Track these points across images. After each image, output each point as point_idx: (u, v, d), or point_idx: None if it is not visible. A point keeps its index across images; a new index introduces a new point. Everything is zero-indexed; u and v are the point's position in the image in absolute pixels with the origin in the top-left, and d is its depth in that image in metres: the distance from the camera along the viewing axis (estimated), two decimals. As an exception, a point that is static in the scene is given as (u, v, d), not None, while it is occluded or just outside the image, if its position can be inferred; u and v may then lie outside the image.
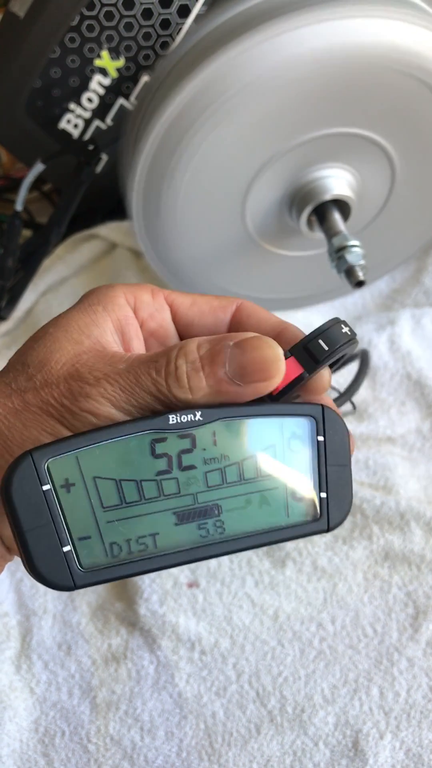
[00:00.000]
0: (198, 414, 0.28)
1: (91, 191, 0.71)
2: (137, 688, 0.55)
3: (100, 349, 0.30)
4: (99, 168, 0.78)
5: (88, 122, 0.76)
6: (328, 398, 0.32)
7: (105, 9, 0.69)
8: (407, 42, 0.45)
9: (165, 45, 0.72)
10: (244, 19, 0.46)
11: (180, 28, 0.72)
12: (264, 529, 0.30)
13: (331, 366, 0.31)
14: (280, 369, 0.28)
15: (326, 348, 0.29)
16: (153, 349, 0.33)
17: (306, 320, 0.76)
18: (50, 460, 0.27)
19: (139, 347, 0.32)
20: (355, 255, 0.48)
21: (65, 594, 0.62)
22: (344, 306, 0.77)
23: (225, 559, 0.64)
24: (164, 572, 0.64)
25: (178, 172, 0.48)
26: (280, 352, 0.29)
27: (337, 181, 0.51)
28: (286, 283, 0.64)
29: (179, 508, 0.29)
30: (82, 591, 0.62)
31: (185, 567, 0.65)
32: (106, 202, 0.81)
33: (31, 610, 0.59)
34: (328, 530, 0.31)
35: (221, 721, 0.54)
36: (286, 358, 0.29)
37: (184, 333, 0.34)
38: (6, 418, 0.29)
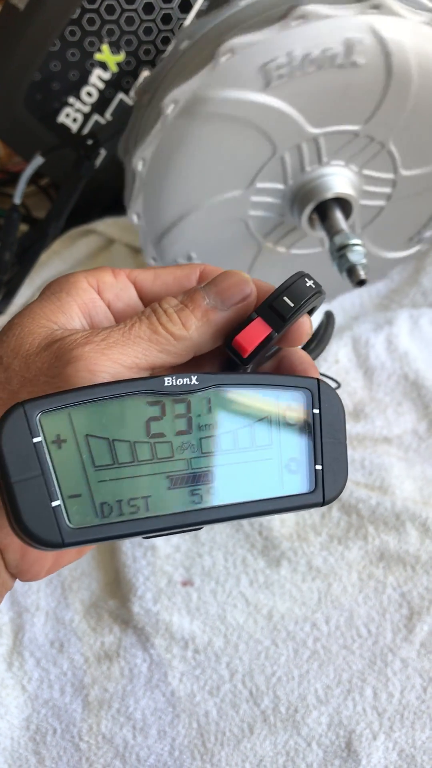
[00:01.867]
0: (194, 378, 0.28)
1: (89, 186, 0.71)
2: (130, 686, 0.55)
3: (70, 332, 0.30)
4: (97, 162, 0.78)
5: (87, 116, 0.75)
6: (316, 371, 0.33)
7: (106, 2, 0.68)
8: (410, 42, 0.45)
9: (166, 40, 0.72)
10: (244, 16, 0.46)
11: (181, 23, 0.71)
12: (257, 499, 0.29)
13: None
14: (251, 284, 0.30)
15: (291, 304, 0.29)
16: None
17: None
18: (42, 414, 0.26)
19: None
20: (357, 254, 0.48)
21: (58, 591, 0.61)
22: (342, 305, 0.77)
23: (220, 557, 0.64)
24: (159, 571, 0.64)
25: (181, 168, 0.48)
26: (246, 274, 0.30)
27: (339, 179, 0.51)
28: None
29: (172, 472, 0.28)
30: (75, 588, 0.62)
31: (180, 565, 0.64)
32: (104, 198, 0.81)
33: (24, 607, 0.59)
34: (323, 503, 0.30)
35: (214, 721, 0.54)
36: (252, 320, 0.29)
37: None
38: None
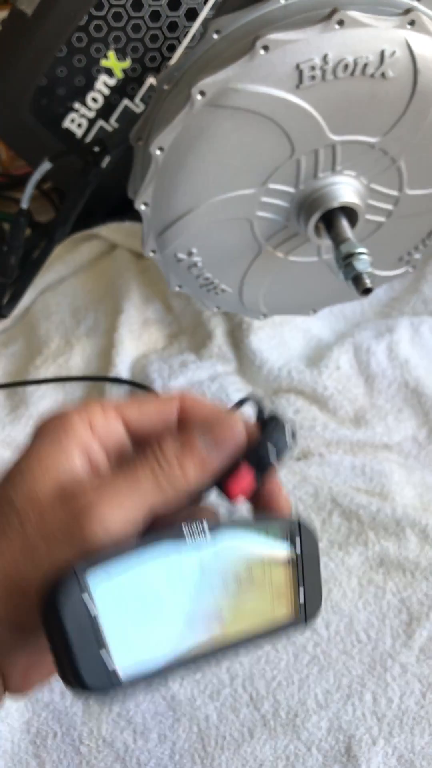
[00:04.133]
0: (205, 526, 0.32)
1: (92, 191, 0.71)
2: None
3: (75, 475, 0.32)
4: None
5: (92, 122, 0.76)
6: (285, 500, 0.37)
7: (113, 9, 0.69)
8: (417, 52, 0.46)
9: (171, 47, 0.72)
10: (283, 14, 0.47)
11: (187, 31, 0.72)
12: (258, 632, 0.34)
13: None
14: (244, 431, 0.33)
15: (275, 452, 0.33)
16: (117, 465, 0.35)
17: (305, 325, 0.76)
18: (89, 576, 0.29)
19: (105, 467, 0.34)
20: (363, 262, 0.49)
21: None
22: (343, 313, 0.77)
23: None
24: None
25: (199, 159, 0.49)
26: (230, 414, 0.34)
27: (348, 189, 0.51)
28: (289, 288, 0.64)
29: (189, 613, 0.32)
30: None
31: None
32: (107, 203, 0.81)
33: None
34: (306, 627, 0.35)
35: (214, 725, 0.54)
36: (240, 467, 0.33)
37: (140, 441, 0.36)
38: (15, 561, 0.30)
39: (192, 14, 0.71)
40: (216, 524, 0.32)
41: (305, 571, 0.34)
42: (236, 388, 0.72)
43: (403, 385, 0.71)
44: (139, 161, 0.53)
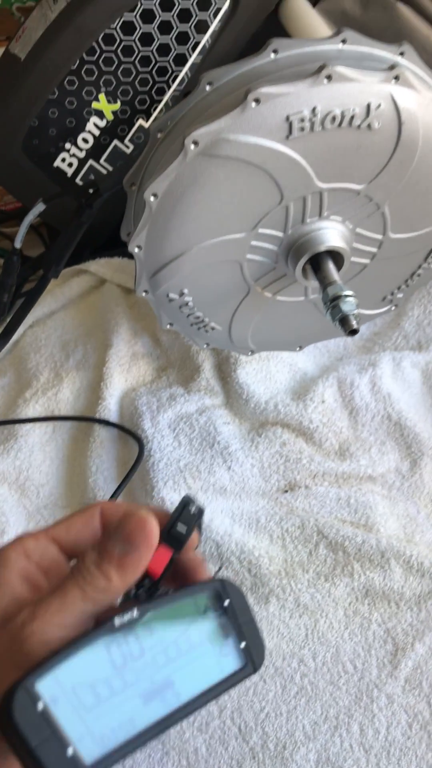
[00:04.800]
0: (135, 612, 0.35)
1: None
2: (123, 723, 0.55)
3: (18, 600, 0.35)
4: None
5: (82, 161, 0.78)
6: (204, 568, 0.40)
7: (105, 55, 0.71)
8: (402, 105, 0.48)
9: (161, 91, 0.75)
10: (273, 67, 0.49)
11: (176, 75, 0.74)
12: (209, 687, 0.37)
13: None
14: (151, 521, 0.35)
15: (185, 528, 0.37)
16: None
17: (290, 359, 0.78)
18: (36, 682, 0.32)
19: (46, 586, 0.37)
20: (349, 304, 0.51)
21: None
22: (327, 347, 0.79)
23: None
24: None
25: (191, 205, 0.50)
26: (140, 508, 0.36)
27: (332, 232, 0.53)
28: (277, 325, 0.66)
29: (142, 690, 0.35)
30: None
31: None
32: (95, 239, 0.83)
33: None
34: (255, 671, 0.38)
35: (203, 758, 0.55)
36: (156, 548, 0.35)
37: (73, 553, 0.39)
38: None
39: (181, 60, 0.73)
40: (146, 605, 0.35)
41: (240, 622, 0.37)
42: (224, 421, 0.73)
43: (385, 418, 0.73)
44: (132, 205, 0.55)
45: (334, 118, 0.47)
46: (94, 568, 0.34)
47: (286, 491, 0.70)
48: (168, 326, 0.63)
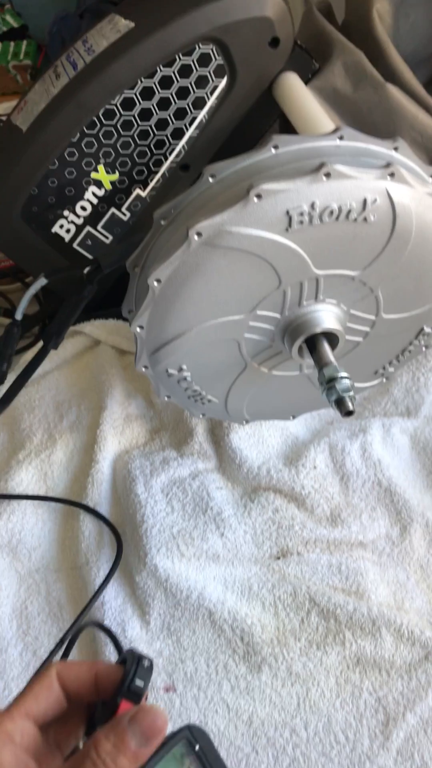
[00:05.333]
0: None
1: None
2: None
3: None
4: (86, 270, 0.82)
5: (80, 228, 0.79)
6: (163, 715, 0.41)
7: (105, 128, 0.73)
8: (398, 200, 0.51)
9: (158, 162, 0.77)
10: (274, 162, 0.51)
11: (173, 148, 0.76)
12: None
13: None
14: (163, 714, 0.38)
15: (142, 683, 0.40)
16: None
17: (282, 424, 0.79)
18: None
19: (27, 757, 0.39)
20: (345, 386, 0.52)
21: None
22: (318, 412, 0.80)
23: (202, 663, 0.65)
24: (141, 676, 0.65)
25: (193, 290, 0.52)
26: (158, 708, 0.39)
27: (329, 315, 0.55)
28: (272, 397, 0.68)
29: None
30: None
31: (162, 671, 0.65)
32: (90, 301, 0.84)
33: None
34: None
35: None
36: (119, 704, 0.39)
37: (42, 723, 0.41)
38: None
39: (178, 133, 0.75)
40: None
41: (210, 761, 0.40)
42: (217, 486, 0.74)
43: (376, 484, 0.74)
44: (134, 285, 0.56)
45: (331, 213, 0.49)
46: (110, 760, 0.36)
47: (279, 558, 0.71)
48: (166, 398, 0.64)
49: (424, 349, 0.65)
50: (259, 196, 0.48)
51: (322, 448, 0.76)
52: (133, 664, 0.40)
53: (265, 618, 0.67)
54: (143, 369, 0.59)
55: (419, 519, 0.72)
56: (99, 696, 0.41)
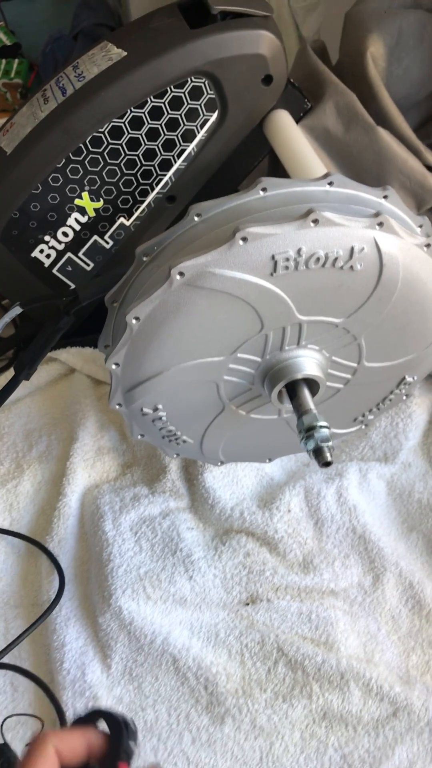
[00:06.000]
0: None
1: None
2: None
3: None
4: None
5: (60, 254, 0.78)
6: None
7: (91, 156, 0.72)
8: (386, 249, 0.50)
9: (144, 192, 0.75)
10: (261, 205, 0.50)
11: (160, 179, 0.75)
12: None
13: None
14: None
15: (133, 745, 0.41)
16: None
17: (257, 464, 0.77)
18: None
19: None
20: (323, 436, 0.51)
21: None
22: (295, 454, 0.79)
23: (163, 711, 0.63)
24: (99, 723, 0.62)
25: (172, 330, 0.51)
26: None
27: (311, 361, 0.54)
28: (249, 440, 0.66)
29: None
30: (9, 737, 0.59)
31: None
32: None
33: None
34: None
35: None
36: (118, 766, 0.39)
37: None
38: None
39: (166, 165, 0.74)
40: None
41: None
42: (188, 526, 0.72)
43: (350, 530, 0.73)
44: (112, 321, 0.55)
45: (318, 259, 0.48)
46: None
47: (248, 604, 0.69)
48: (139, 437, 0.62)
49: (404, 398, 0.63)
50: (245, 239, 0.47)
51: (297, 491, 0.74)
52: (123, 728, 0.41)
53: (231, 667, 0.65)
54: (117, 406, 0.57)
55: (392, 568, 0.71)
56: (89, 760, 0.41)
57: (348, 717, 0.62)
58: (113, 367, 0.53)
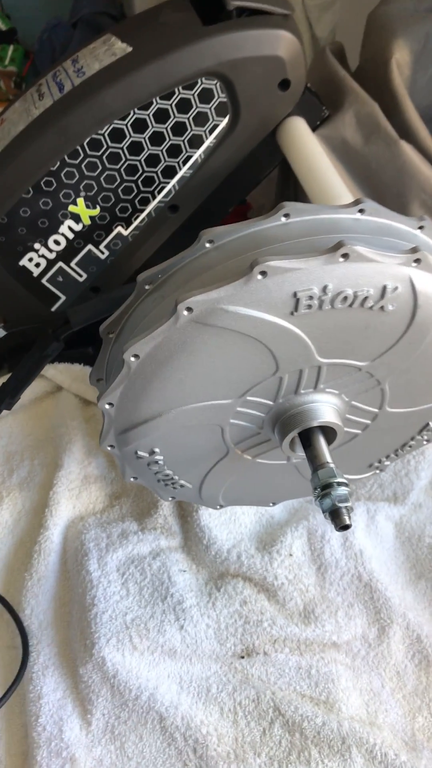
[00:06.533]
0: None
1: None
2: None
3: None
4: (54, 307, 0.74)
5: (51, 263, 0.71)
6: None
7: (89, 159, 0.65)
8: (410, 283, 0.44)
9: (145, 201, 0.69)
10: (283, 234, 0.44)
11: (162, 187, 0.69)
12: None
13: None
14: None
15: None
16: None
17: (264, 510, 0.71)
18: None
19: None
20: (342, 495, 0.45)
21: None
22: (297, 489, 0.73)
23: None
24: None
25: (176, 370, 0.45)
26: None
27: (326, 407, 0.48)
28: (253, 484, 0.60)
29: None
30: None
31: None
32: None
33: None
34: None
35: None
36: None
37: None
38: None
39: (170, 172, 0.68)
40: None
41: None
42: (180, 568, 0.66)
43: (356, 577, 0.67)
44: (107, 353, 0.49)
45: (345, 299, 0.42)
46: None
47: (243, 657, 0.63)
48: (131, 479, 0.56)
49: (425, 443, 0.58)
50: (264, 273, 0.41)
51: (299, 533, 0.69)
52: None
53: (223, 727, 0.59)
54: (108, 448, 0.51)
55: (399, 620, 0.65)
56: None
57: (349, 787, 0.57)
58: (106, 407, 0.46)
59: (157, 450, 0.51)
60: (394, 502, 0.72)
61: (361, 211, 0.45)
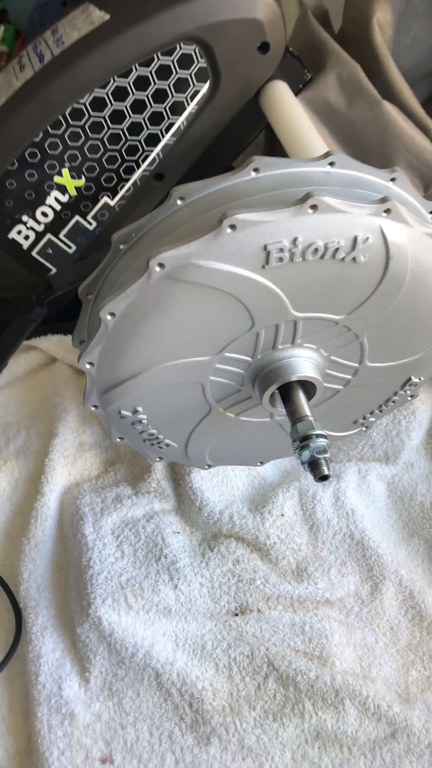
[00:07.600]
0: None
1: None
2: None
3: None
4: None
5: (40, 235, 0.72)
6: None
7: (71, 129, 0.66)
8: (393, 238, 0.44)
9: (129, 170, 0.70)
10: (252, 188, 0.45)
11: (146, 155, 0.69)
12: None
13: None
14: None
15: None
16: None
17: (255, 472, 0.72)
18: None
19: None
20: (320, 446, 0.46)
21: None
22: (289, 451, 0.74)
23: (145, 730, 0.59)
24: (75, 743, 0.58)
25: (152, 328, 0.46)
26: None
27: (304, 361, 0.49)
28: (238, 443, 0.61)
29: None
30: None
31: (100, 738, 0.59)
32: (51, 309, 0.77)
33: None
34: None
35: None
36: None
37: None
38: None
39: (153, 140, 0.68)
40: None
41: None
42: (173, 530, 0.68)
43: (347, 536, 0.68)
44: (87, 314, 0.50)
45: (316, 250, 0.43)
46: None
47: (237, 614, 0.64)
48: (118, 440, 0.57)
49: (409, 398, 0.58)
50: (233, 227, 0.41)
51: (291, 494, 0.70)
52: None
53: (218, 682, 0.61)
54: (92, 408, 0.52)
55: (392, 576, 0.66)
56: None
57: (343, 738, 0.58)
58: (87, 366, 0.47)
59: (140, 409, 0.52)
60: (386, 462, 0.73)
61: (331, 164, 0.45)
